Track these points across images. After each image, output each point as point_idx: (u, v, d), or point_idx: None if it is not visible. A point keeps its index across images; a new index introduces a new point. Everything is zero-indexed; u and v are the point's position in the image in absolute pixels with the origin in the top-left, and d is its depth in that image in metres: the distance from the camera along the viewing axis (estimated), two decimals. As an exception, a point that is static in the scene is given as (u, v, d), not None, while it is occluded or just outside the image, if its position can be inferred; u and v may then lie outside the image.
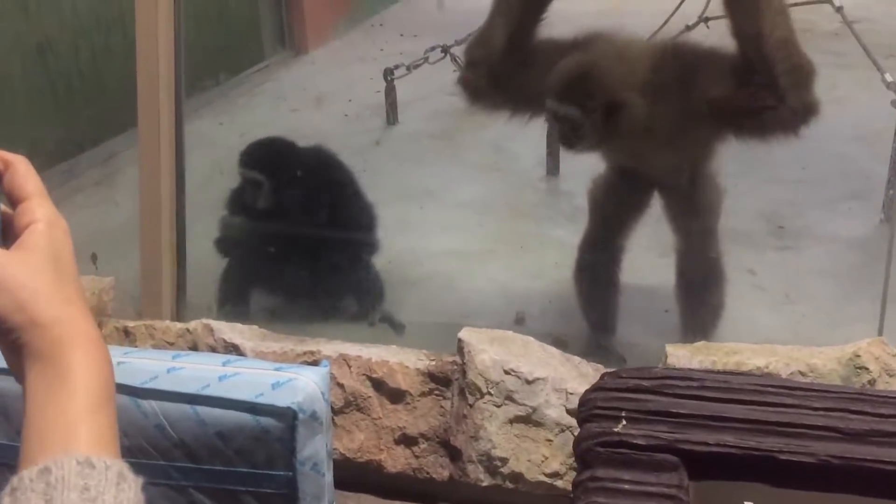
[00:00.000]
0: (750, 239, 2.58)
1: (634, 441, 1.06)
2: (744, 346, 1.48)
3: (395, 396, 1.60)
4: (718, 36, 1.87)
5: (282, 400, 1.13)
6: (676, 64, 1.85)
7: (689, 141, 1.93)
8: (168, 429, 1.15)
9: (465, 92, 1.97)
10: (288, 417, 1.13)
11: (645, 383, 1.05)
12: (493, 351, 1.55)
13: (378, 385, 1.60)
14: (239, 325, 1.74)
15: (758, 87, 1.73)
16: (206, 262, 2.20)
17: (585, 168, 2.22)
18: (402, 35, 4.87)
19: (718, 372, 1.16)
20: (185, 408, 1.15)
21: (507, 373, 1.52)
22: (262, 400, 1.14)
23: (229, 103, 4.04)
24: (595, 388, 1.08)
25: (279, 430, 1.13)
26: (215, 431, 1.14)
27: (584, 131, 1.86)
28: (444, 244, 2.70)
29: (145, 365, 1.22)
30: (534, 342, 1.61)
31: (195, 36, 3.72)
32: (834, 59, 2.93)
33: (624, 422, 1.04)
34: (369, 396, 1.61)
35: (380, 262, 2.62)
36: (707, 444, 1.06)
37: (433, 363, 1.61)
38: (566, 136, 1.91)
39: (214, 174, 3.17)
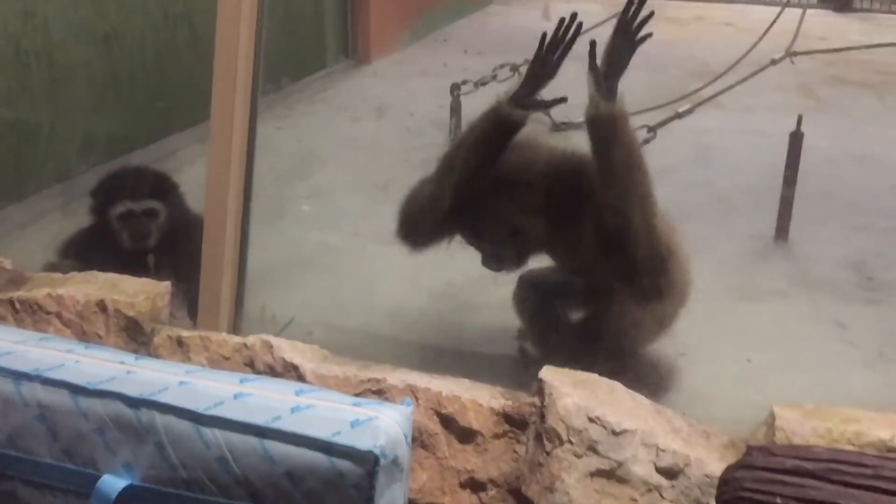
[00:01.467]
0: (837, 289, 2.42)
1: (795, 535, 0.90)
2: (862, 414, 1.33)
3: (465, 436, 1.48)
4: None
5: (362, 442, 1.01)
6: (570, 179, 1.82)
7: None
8: (231, 463, 1.04)
9: (406, 245, 1.95)
10: (368, 462, 1.01)
11: (807, 465, 0.90)
12: (576, 395, 1.43)
13: (447, 422, 1.49)
14: (300, 345, 1.63)
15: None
16: (263, 274, 2.09)
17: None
18: (465, 51, 4.81)
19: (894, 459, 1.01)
20: (253, 441, 1.03)
21: (591, 420, 1.39)
22: (339, 440, 1.02)
23: (288, 109, 3.99)
24: (741, 466, 0.94)
25: (356, 475, 1.01)
26: (284, 471, 1.02)
27: (501, 257, 1.93)
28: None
29: (210, 388, 1.10)
30: (622, 389, 1.48)
31: (259, 38, 3.68)
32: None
33: (779, 510, 0.90)
34: (436, 433, 1.49)
35: (439, 285, 2.50)
36: (888, 546, 0.90)
37: (509, 403, 1.48)
38: (488, 262, 1.94)
39: (269, 180, 3.08)
